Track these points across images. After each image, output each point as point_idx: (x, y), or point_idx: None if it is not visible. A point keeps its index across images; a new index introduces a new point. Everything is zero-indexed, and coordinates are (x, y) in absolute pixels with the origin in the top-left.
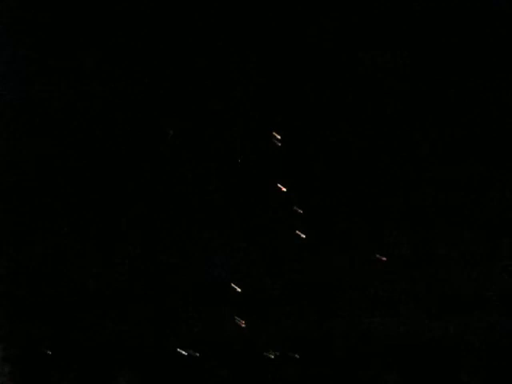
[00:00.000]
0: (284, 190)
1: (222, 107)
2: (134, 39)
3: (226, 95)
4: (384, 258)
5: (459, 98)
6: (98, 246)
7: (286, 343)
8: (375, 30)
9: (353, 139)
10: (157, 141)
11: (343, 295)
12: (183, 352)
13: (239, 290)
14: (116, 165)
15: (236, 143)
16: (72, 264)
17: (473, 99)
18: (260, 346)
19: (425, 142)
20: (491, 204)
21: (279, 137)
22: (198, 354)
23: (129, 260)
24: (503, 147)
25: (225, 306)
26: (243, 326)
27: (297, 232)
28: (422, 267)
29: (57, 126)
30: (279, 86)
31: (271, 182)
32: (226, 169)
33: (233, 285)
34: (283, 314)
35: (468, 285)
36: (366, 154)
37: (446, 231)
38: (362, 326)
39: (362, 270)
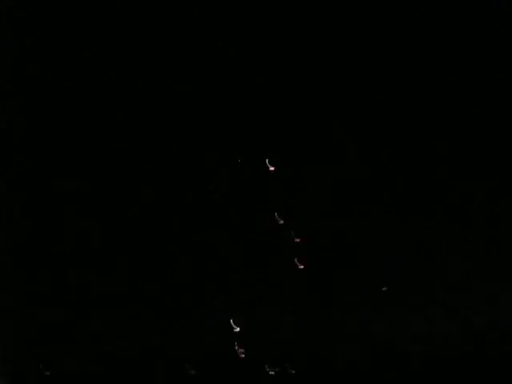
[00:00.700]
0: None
1: (223, 108)
2: (133, 39)
3: (226, 95)
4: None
5: (458, 98)
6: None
7: (284, 356)
8: (374, 29)
9: (357, 154)
10: (156, 141)
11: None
12: (191, 371)
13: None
14: (115, 165)
15: (236, 144)
16: (72, 279)
17: (472, 99)
18: (258, 360)
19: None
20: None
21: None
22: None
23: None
24: (503, 151)
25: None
26: (243, 355)
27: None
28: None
29: (56, 125)
30: (281, 87)
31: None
32: (226, 169)
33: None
34: (280, 326)
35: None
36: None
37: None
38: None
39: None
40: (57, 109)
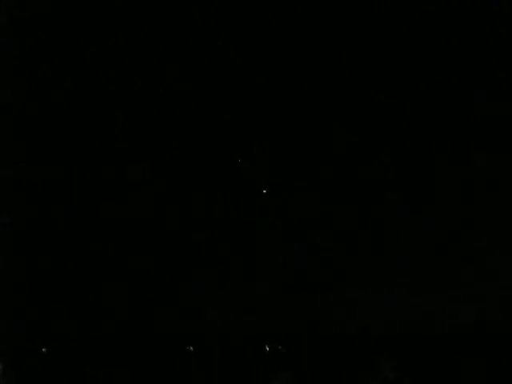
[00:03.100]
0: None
1: (222, 107)
2: (133, 39)
3: (226, 95)
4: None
5: (458, 98)
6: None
7: (280, 336)
8: (374, 29)
9: (354, 145)
10: (156, 140)
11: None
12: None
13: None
14: (115, 166)
15: (235, 143)
16: (71, 260)
17: (472, 98)
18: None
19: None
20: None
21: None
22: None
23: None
24: (502, 146)
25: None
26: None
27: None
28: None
29: (56, 125)
30: (279, 87)
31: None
32: (226, 169)
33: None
34: (278, 308)
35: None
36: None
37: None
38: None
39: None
40: (57, 108)
